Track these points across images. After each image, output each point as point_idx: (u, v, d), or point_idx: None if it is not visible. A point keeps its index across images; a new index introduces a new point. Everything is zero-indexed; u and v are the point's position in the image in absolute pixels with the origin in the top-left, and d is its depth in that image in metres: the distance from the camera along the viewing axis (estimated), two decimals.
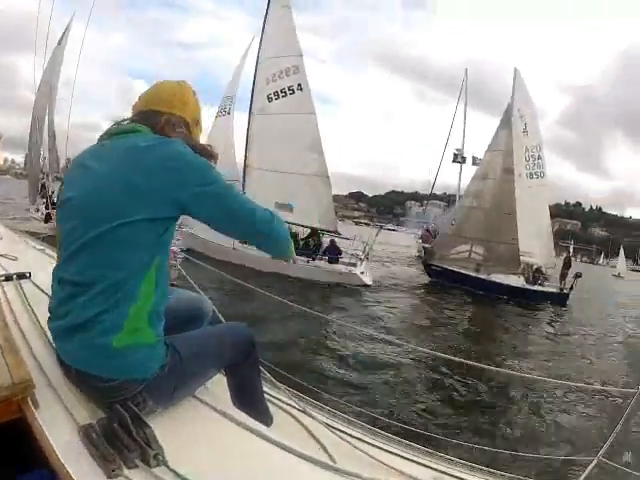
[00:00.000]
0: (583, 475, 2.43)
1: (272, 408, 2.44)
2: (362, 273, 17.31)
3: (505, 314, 17.62)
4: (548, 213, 24.54)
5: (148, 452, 1.31)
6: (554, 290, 22.33)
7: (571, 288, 22.39)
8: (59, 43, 23.04)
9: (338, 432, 2.45)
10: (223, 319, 2.73)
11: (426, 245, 23.27)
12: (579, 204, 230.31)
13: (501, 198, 21.03)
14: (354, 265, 17.48)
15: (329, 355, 8.62)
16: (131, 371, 1.57)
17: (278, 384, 2.74)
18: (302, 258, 16.84)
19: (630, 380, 10.38)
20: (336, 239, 18.78)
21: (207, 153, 1.78)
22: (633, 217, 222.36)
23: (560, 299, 21.82)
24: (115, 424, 1.38)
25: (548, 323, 17.16)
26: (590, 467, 2.41)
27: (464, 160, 31.05)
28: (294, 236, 17.63)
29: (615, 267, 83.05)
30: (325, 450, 2.23)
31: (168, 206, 1.55)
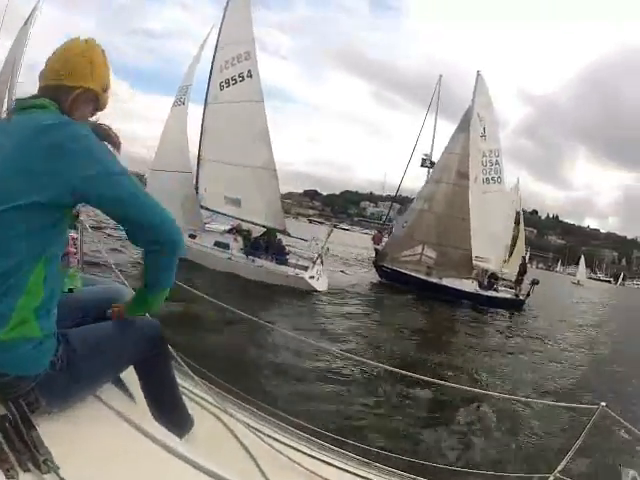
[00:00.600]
0: None
1: (197, 409, 2.37)
2: (312, 277, 16.22)
3: (459, 320, 17.49)
4: (504, 219, 24.94)
5: (37, 457, 1.24)
6: (509, 296, 22.43)
7: (528, 295, 22.75)
8: (25, 23, 22.34)
9: (267, 439, 2.36)
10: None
11: (377, 246, 23.12)
12: (535, 212, 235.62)
13: (454, 202, 21.16)
14: (304, 268, 16.43)
15: (270, 365, 8.31)
16: (19, 366, 1.47)
17: (204, 383, 2.56)
18: (242, 256, 16.48)
19: (589, 392, 10.44)
20: (286, 239, 18.22)
21: (111, 140, 1.70)
22: (591, 226, 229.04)
23: (516, 305, 22.01)
24: (7, 423, 1.34)
25: (503, 331, 17.07)
26: None
27: (432, 165, 31.42)
28: (247, 234, 17.54)
29: (573, 274, 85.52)
30: (253, 458, 2.17)
31: (61, 192, 1.44)
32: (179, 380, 2.41)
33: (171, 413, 2.02)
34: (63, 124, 1.49)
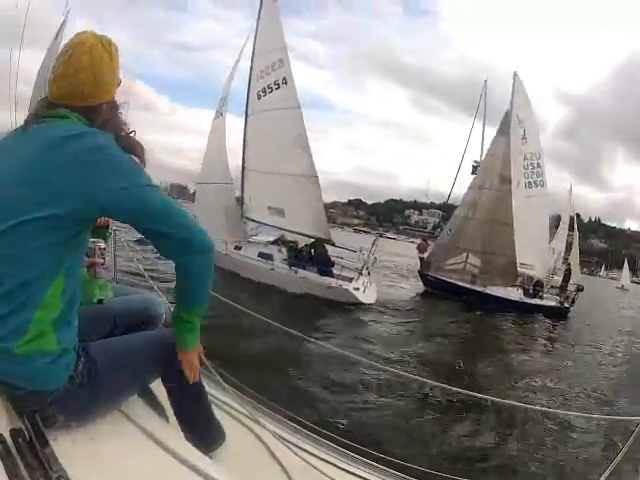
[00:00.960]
0: None
1: (228, 419, 2.33)
2: (357, 289, 15.45)
3: (503, 329, 17.14)
4: (547, 224, 24.14)
5: (49, 474, 1.21)
6: (554, 304, 21.85)
7: (572, 302, 22.12)
8: (55, 38, 22.64)
9: (301, 452, 2.27)
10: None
11: (422, 255, 22.91)
12: (578, 215, 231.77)
13: (497, 208, 20.84)
14: (349, 280, 15.70)
15: (303, 377, 8.24)
16: (36, 380, 1.44)
17: (235, 393, 2.45)
18: (285, 267, 16.21)
19: (634, 406, 9.94)
20: (334, 250, 17.73)
21: (134, 150, 1.63)
22: (632, 229, 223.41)
23: (561, 313, 21.44)
24: (20, 438, 1.32)
25: (548, 340, 16.71)
26: None
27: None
28: (292, 245, 17.36)
29: (615, 279, 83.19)
30: (285, 472, 2.12)
31: (82, 204, 1.40)
32: (211, 390, 2.39)
33: (202, 428, 1.98)
34: (85, 134, 1.44)
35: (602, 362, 13.91)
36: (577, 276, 41.33)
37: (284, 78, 17.20)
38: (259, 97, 17.66)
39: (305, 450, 2.36)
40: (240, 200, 17.96)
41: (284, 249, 17.06)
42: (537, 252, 22.43)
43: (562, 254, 42.21)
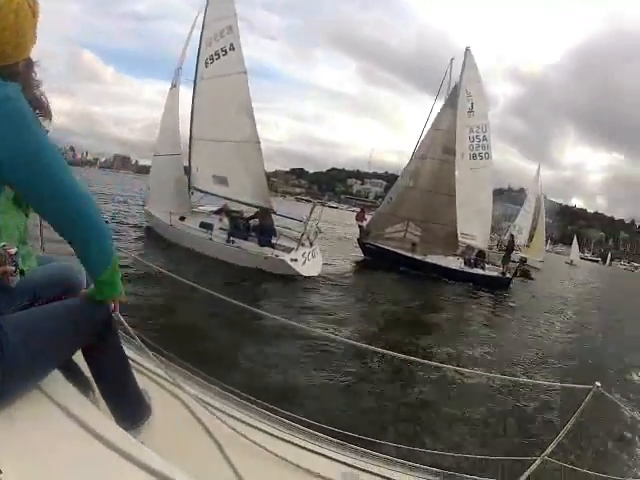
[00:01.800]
0: (525, 474, 2.45)
1: (155, 388, 2.37)
2: (295, 260, 14.85)
3: (444, 298, 17.41)
4: (491, 195, 24.58)
5: None
6: (496, 274, 22.36)
7: (515, 273, 22.80)
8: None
9: (231, 420, 2.36)
10: None
11: (361, 224, 22.97)
12: (522, 190, 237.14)
13: (440, 178, 21.17)
14: (288, 251, 15.20)
15: (245, 344, 8.12)
16: None
17: (162, 361, 2.56)
18: (224, 237, 15.83)
19: (581, 373, 10.29)
20: (281, 221, 17.27)
21: (39, 104, 1.62)
22: (578, 206, 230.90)
23: (503, 283, 21.93)
24: None
25: (491, 310, 17.00)
26: (533, 466, 2.44)
27: None
28: (236, 214, 17.06)
29: (561, 253, 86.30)
30: (216, 442, 2.17)
31: None
32: (141, 360, 2.54)
33: (127, 401, 1.98)
34: None
35: (544, 332, 14.27)
36: (542, 253, 43.46)
37: (231, 44, 17.02)
38: (207, 64, 17.47)
39: (233, 417, 2.44)
40: (188, 170, 17.83)
41: (225, 219, 16.79)
42: (479, 223, 23.11)
43: (527, 232, 45.10)
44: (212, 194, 17.86)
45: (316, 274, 15.48)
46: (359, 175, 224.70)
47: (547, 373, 9.97)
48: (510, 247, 26.02)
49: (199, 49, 17.82)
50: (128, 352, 2.34)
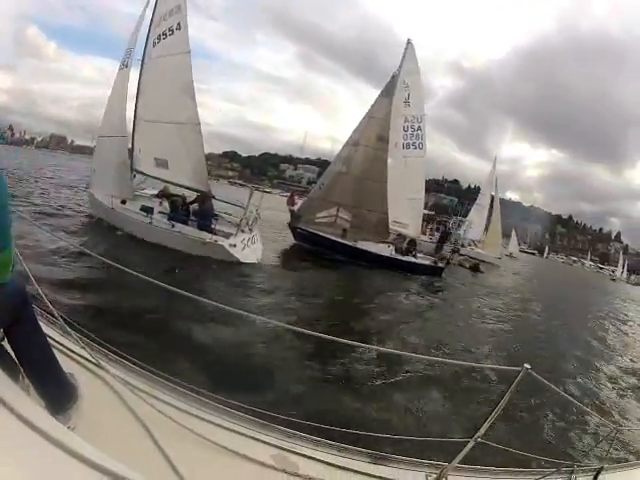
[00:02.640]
0: (459, 456, 2.48)
1: (83, 372, 2.42)
2: (233, 246, 14.85)
3: (374, 285, 17.65)
4: (423, 185, 25.08)
5: None
6: (427, 263, 22.94)
7: (447, 262, 23.59)
8: None
9: (158, 402, 2.41)
10: (28, 270, 2.57)
11: (292, 208, 23.07)
12: (456, 181, 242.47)
13: (372, 166, 21.53)
14: (227, 236, 15.22)
15: (175, 332, 7.99)
16: None
17: (86, 343, 2.63)
18: (163, 221, 15.69)
19: (512, 356, 10.84)
20: (221, 206, 17.17)
21: None
22: (513, 199, 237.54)
23: (435, 272, 22.49)
24: None
25: (422, 297, 17.22)
26: (467, 448, 2.44)
27: None
28: (177, 198, 16.85)
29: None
30: (143, 425, 2.20)
31: None
32: (67, 343, 2.63)
33: (53, 387, 2.03)
34: None
35: (475, 318, 14.96)
36: (498, 249, 44.91)
37: (179, 23, 16.75)
38: (154, 44, 17.19)
39: (160, 399, 2.49)
40: (130, 152, 17.47)
41: (165, 203, 16.68)
42: (411, 211, 23.67)
43: (482, 227, 46.61)
44: (153, 177, 17.65)
45: (255, 261, 15.52)
46: (292, 160, 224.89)
47: (478, 357, 10.36)
48: (443, 237, 26.82)
49: (149, 29, 17.52)
50: (53, 334, 2.52)
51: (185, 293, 2.67)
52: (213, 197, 16.79)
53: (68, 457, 1.25)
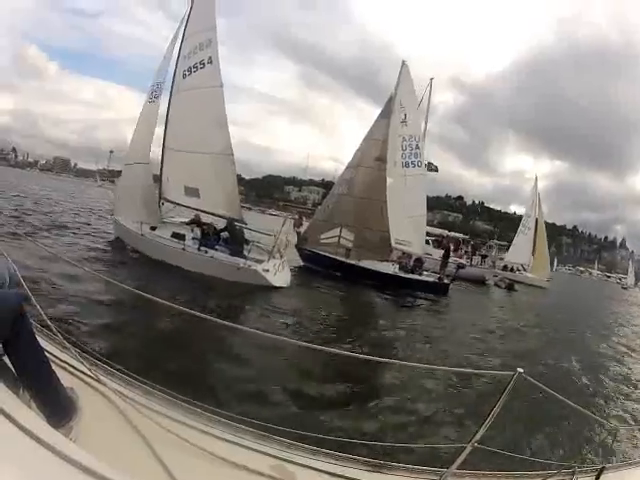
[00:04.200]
0: (457, 462, 2.50)
1: (81, 387, 2.47)
2: (267, 271, 15.38)
3: (379, 303, 18.15)
4: (425, 202, 25.34)
5: None
6: (432, 279, 23.14)
7: (453, 279, 23.69)
8: None
9: (157, 415, 2.46)
10: (24, 283, 2.55)
11: (299, 230, 23.61)
12: (461, 197, 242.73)
13: (372, 186, 22.15)
14: (259, 262, 15.76)
15: (160, 343, 8.31)
16: None
17: (85, 358, 2.70)
18: (196, 247, 16.12)
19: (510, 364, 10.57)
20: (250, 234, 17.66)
21: None
22: (517, 212, 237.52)
23: (440, 289, 22.59)
24: None
25: (426, 313, 17.66)
26: (464, 453, 2.46)
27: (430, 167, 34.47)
28: (207, 227, 17.34)
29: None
30: (143, 438, 2.25)
31: None
32: (66, 358, 2.68)
33: (53, 401, 2.08)
34: None
35: (475, 332, 14.89)
36: (546, 272, 46.86)
37: (210, 57, 17.26)
38: (184, 76, 17.70)
39: (159, 412, 2.54)
40: (158, 180, 18.05)
41: (197, 229, 17.22)
42: (414, 229, 23.94)
43: (529, 252, 47.54)
44: (183, 205, 18.05)
45: (285, 285, 16.05)
46: (295, 182, 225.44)
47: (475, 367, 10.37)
48: (446, 254, 27.11)
49: (177, 60, 18.07)
50: (52, 349, 2.60)
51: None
52: (245, 224, 17.39)
53: (72, 468, 1.25)
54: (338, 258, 21.71)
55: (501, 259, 47.10)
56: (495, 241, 53.97)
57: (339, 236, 22.25)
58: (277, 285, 15.49)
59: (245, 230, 17.32)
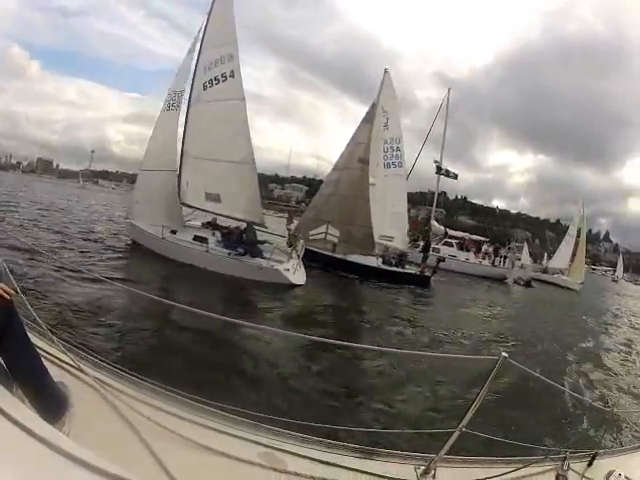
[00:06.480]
0: (445, 447, 2.56)
1: (74, 382, 2.55)
2: (287, 270, 16.51)
3: (364, 294, 19.61)
4: (406, 199, 27.64)
5: None
6: (414, 272, 24.51)
7: (434, 271, 24.76)
8: None
9: (146, 407, 2.51)
10: (14, 281, 2.57)
11: (289, 227, 25.08)
12: (444, 193, 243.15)
13: (356, 185, 23.37)
14: (279, 262, 16.79)
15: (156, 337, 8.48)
16: None
17: (76, 353, 2.78)
18: (219, 249, 17.06)
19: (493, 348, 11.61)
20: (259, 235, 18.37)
21: None
22: (500, 207, 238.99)
23: (422, 281, 23.87)
24: None
25: (407, 303, 18.85)
26: (452, 438, 2.52)
27: (448, 173, 41.12)
28: (225, 230, 18.44)
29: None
30: (133, 429, 2.30)
31: None
32: (57, 353, 2.73)
33: (45, 396, 2.13)
34: None
35: (454, 322, 15.83)
36: (581, 276, 49.53)
37: (232, 71, 18.09)
38: (205, 88, 18.62)
39: (148, 404, 2.58)
40: (177, 186, 18.45)
41: (217, 232, 18.10)
42: (396, 224, 26.06)
43: (568, 257, 52.07)
44: (203, 210, 18.91)
45: (303, 282, 17.18)
46: (278, 180, 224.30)
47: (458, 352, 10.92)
48: (426, 247, 28.96)
49: (194, 71, 18.89)
50: (42, 345, 2.68)
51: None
52: (264, 228, 18.49)
53: (68, 462, 1.22)
54: (326, 253, 23.05)
55: (518, 259, 50.49)
56: (515, 243, 57.44)
57: (326, 232, 23.30)
58: (296, 283, 16.61)
59: (257, 232, 18.10)
